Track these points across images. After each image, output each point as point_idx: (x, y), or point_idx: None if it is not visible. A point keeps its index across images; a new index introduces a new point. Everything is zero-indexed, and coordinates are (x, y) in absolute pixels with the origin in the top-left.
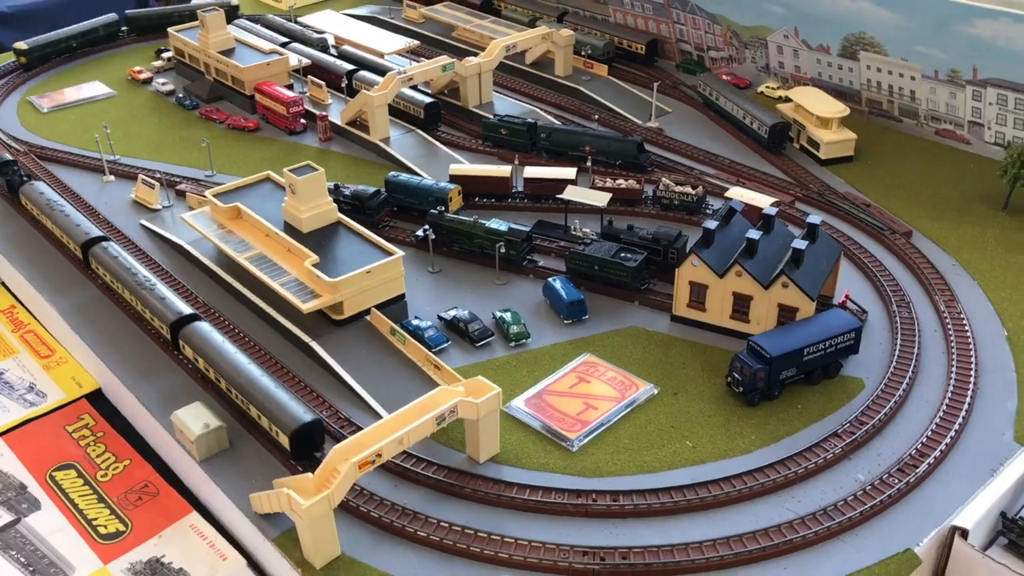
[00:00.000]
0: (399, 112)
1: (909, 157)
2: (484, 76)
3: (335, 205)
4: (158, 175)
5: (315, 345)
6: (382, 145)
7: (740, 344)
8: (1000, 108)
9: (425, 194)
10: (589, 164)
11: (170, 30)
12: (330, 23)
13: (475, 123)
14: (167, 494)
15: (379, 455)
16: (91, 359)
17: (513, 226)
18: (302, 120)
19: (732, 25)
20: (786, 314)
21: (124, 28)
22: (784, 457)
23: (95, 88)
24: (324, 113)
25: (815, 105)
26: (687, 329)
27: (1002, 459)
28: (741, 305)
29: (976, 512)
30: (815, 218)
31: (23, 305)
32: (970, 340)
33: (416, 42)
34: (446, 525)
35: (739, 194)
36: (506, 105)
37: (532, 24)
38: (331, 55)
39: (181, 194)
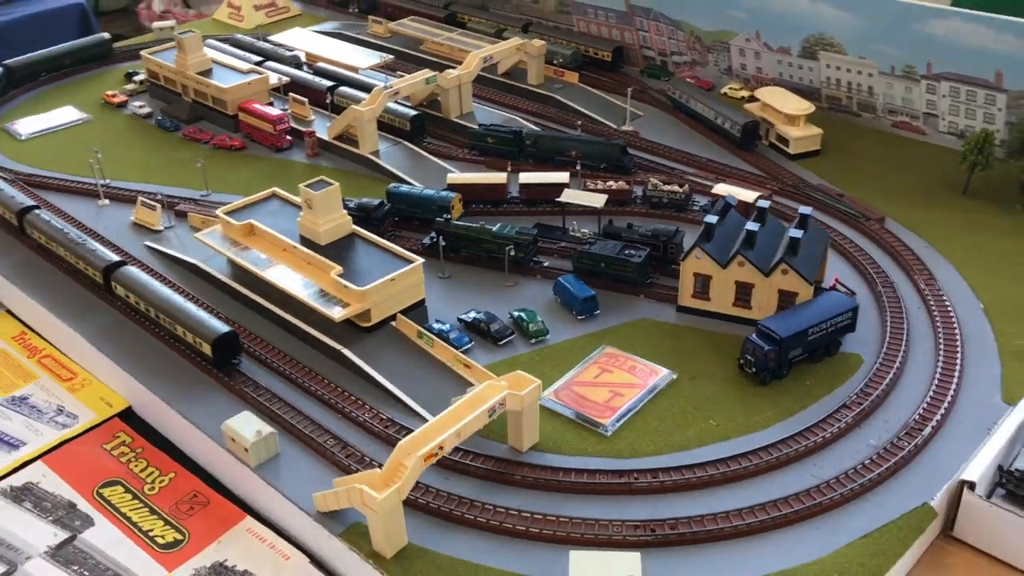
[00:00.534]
0: (384, 125)
1: (871, 148)
2: (464, 88)
3: (350, 218)
4: (159, 197)
5: (347, 352)
6: (372, 158)
7: (744, 329)
8: (953, 100)
9: (428, 203)
10: (579, 168)
11: (143, 53)
12: (299, 41)
13: (458, 133)
14: (217, 502)
15: (441, 448)
16: (120, 379)
17: (520, 229)
18: (288, 137)
19: (695, 31)
20: (786, 298)
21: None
22: (802, 429)
23: (69, 113)
24: (312, 129)
25: (782, 104)
26: (693, 318)
27: (994, 418)
28: (743, 293)
29: (979, 467)
30: (806, 209)
31: (34, 331)
32: (952, 314)
33: (390, 57)
34: (502, 510)
35: (725, 190)
36: (485, 114)
37: (499, 35)
38: (306, 72)
39: (181, 214)
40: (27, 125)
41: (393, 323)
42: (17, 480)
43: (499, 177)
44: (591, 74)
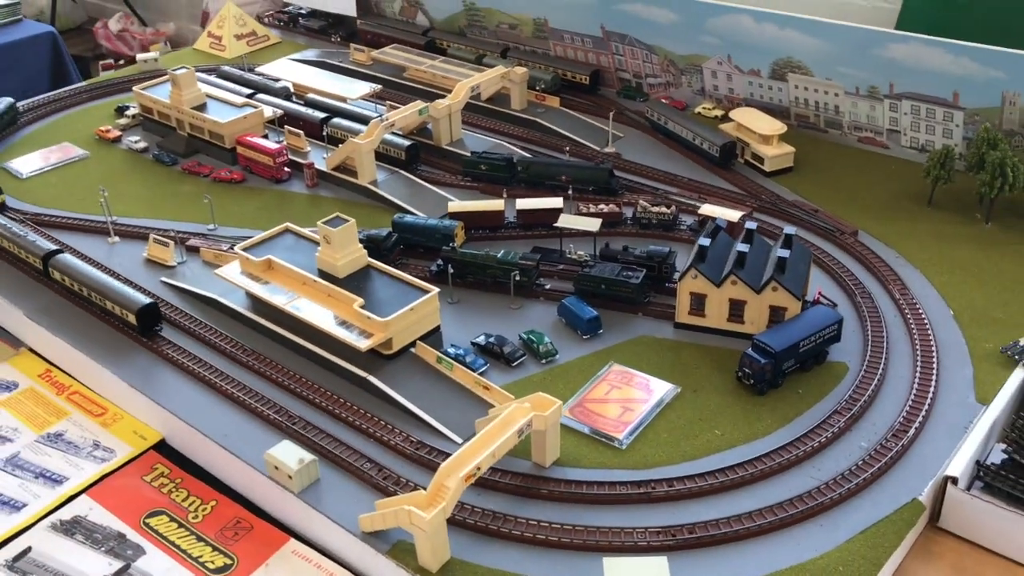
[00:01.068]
0: (380, 155)
1: (839, 164)
2: (454, 116)
3: (365, 251)
4: (172, 233)
5: (372, 379)
6: (371, 187)
7: (738, 342)
8: (914, 117)
9: (432, 232)
10: (570, 192)
11: (135, 89)
12: (285, 71)
13: (450, 160)
14: (261, 527)
15: (479, 468)
16: (153, 412)
17: (523, 255)
18: (287, 169)
19: (669, 55)
20: (776, 313)
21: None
22: (799, 435)
23: (67, 150)
24: (311, 161)
25: (756, 124)
26: (690, 334)
27: (971, 417)
28: (736, 309)
29: (960, 463)
30: (791, 229)
31: (59, 368)
32: (926, 322)
33: (379, 86)
34: (535, 522)
35: (711, 211)
36: (474, 141)
37: (479, 61)
38: (297, 103)
39: (192, 249)
40: (25, 164)
41: (413, 350)
42: (65, 514)
43: (497, 204)
44: (570, 97)
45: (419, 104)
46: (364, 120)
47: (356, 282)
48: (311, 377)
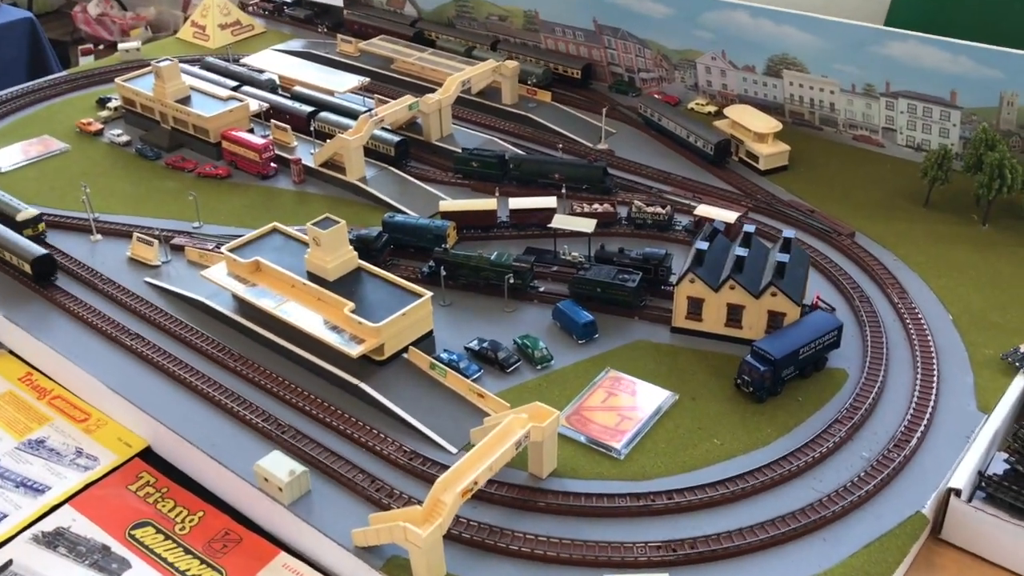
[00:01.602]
0: (368, 150)
1: (833, 162)
2: (444, 111)
3: (355, 253)
4: (156, 232)
5: (364, 386)
6: (360, 184)
7: (736, 348)
8: (910, 116)
9: (424, 232)
10: (564, 191)
11: (117, 80)
12: (271, 63)
13: (440, 156)
14: (250, 539)
15: (476, 483)
16: (138, 418)
17: (517, 256)
18: (273, 164)
19: (662, 49)
20: (775, 319)
21: None
22: (800, 445)
23: (47, 144)
24: (298, 157)
25: (751, 122)
26: (687, 339)
27: (972, 426)
28: (735, 314)
29: (963, 474)
30: (789, 232)
31: (40, 371)
32: (925, 327)
33: (367, 79)
34: (531, 536)
35: (706, 211)
36: (465, 136)
37: (469, 54)
38: (283, 96)
39: (177, 248)
40: (3, 157)
41: (405, 355)
42: (48, 525)
43: (489, 203)
44: (561, 91)
45: (409, 99)
46: (352, 114)
47: (347, 285)
48: (301, 383)
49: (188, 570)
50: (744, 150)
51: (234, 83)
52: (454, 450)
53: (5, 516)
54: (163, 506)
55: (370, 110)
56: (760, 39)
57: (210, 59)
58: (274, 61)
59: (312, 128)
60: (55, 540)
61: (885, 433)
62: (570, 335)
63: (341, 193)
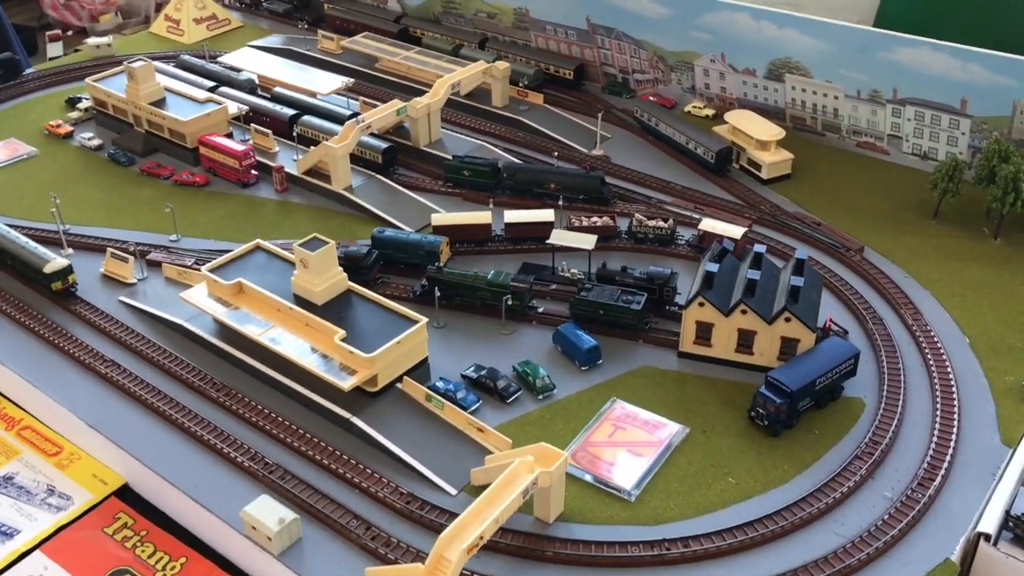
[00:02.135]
0: (353, 157)
1: (837, 169)
2: (433, 115)
3: (345, 275)
4: (132, 247)
5: (356, 420)
6: (346, 194)
7: (747, 375)
8: (917, 123)
9: (415, 248)
10: (561, 203)
11: (88, 80)
12: (250, 61)
13: (429, 163)
14: None
15: (481, 537)
16: (114, 454)
17: (514, 276)
18: (254, 172)
19: (658, 51)
20: (788, 345)
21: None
22: (820, 484)
23: (15, 147)
24: (280, 164)
25: (753, 128)
26: (695, 364)
27: (997, 462)
28: (746, 339)
29: (992, 517)
30: (802, 253)
31: (9, 400)
32: (942, 351)
33: (351, 80)
34: None
35: (711, 226)
36: (454, 141)
37: (456, 52)
38: (262, 98)
39: (153, 264)
40: None
41: (399, 385)
42: (18, 574)
43: (484, 216)
44: (552, 92)
45: (397, 103)
46: (336, 118)
47: (336, 310)
48: (288, 416)
49: None
50: (745, 158)
51: (211, 83)
52: (454, 492)
53: None
54: (142, 551)
55: (356, 114)
56: (762, 42)
57: (186, 57)
58: (252, 59)
59: (295, 133)
60: None
61: (907, 470)
62: (572, 360)
63: (326, 203)
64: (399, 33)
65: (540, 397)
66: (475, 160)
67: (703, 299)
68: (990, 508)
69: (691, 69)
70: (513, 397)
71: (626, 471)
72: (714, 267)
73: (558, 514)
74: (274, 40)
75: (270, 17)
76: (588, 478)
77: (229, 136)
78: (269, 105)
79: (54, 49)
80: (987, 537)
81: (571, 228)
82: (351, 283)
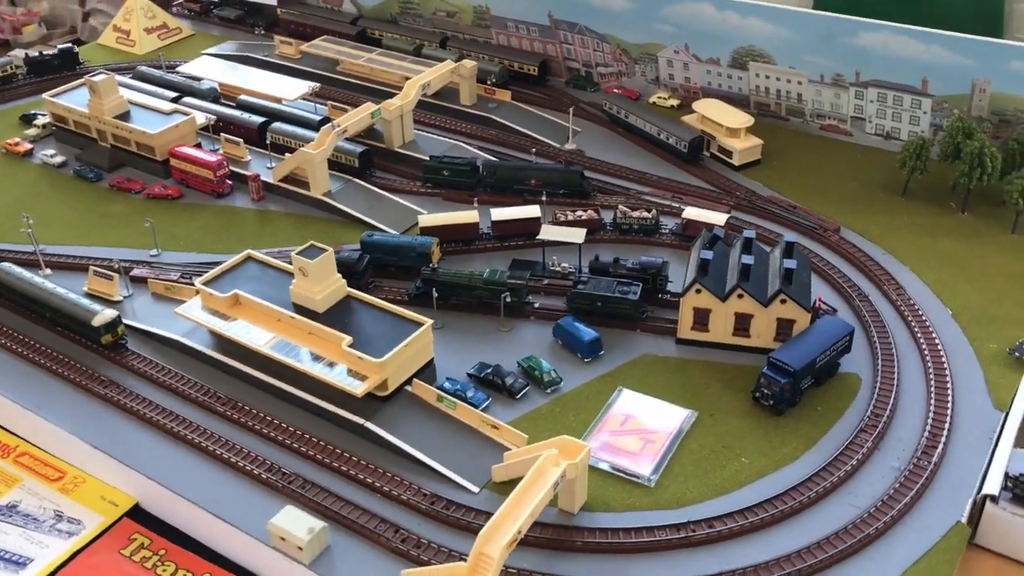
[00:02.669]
0: (330, 163)
1: (803, 153)
2: (405, 117)
3: (344, 281)
4: (115, 263)
5: (371, 425)
6: (326, 199)
7: (745, 358)
8: (880, 104)
9: (407, 250)
10: (544, 197)
11: (46, 95)
12: (208, 69)
13: (405, 164)
14: None
15: (520, 532)
16: (124, 476)
17: (510, 273)
18: (228, 182)
19: (622, 44)
20: (784, 326)
21: None
22: (829, 458)
23: None
24: (256, 172)
25: (722, 117)
26: (693, 350)
27: (992, 425)
28: (742, 323)
29: (996, 479)
30: (791, 237)
31: (2, 428)
32: (928, 324)
33: (317, 85)
34: None
35: (695, 214)
36: (428, 142)
37: (418, 53)
38: (227, 106)
39: (137, 280)
40: None
41: (409, 388)
42: None
43: (471, 216)
44: (518, 89)
45: (370, 106)
46: (307, 123)
47: (338, 316)
48: (298, 425)
49: None
50: (716, 145)
51: (172, 94)
52: (476, 490)
53: None
54: (163, 571)
55: (326, 120)
56: (725, 32)
57: (143, 68)
58: (211, 67)
59: (268, 141)
60: None
61: (910, 439)
62: (574, 353)
63: (305, 210)
64: (357, 35)
65: (548, 391)
66: (454, 159)
67: (700, 285)
68: (992, 471)
69: (655, 61)
70: (522, 393)
71: (642, 458)
72: (708, 254)
73: (582, 504)
74: (228, 47)
75: (221, 24)
76: (606, 467)
77: (198, 147)
78: (236, 113)
79: None
80: (993, 498)
81: (556, 223)
82: (350, 289)
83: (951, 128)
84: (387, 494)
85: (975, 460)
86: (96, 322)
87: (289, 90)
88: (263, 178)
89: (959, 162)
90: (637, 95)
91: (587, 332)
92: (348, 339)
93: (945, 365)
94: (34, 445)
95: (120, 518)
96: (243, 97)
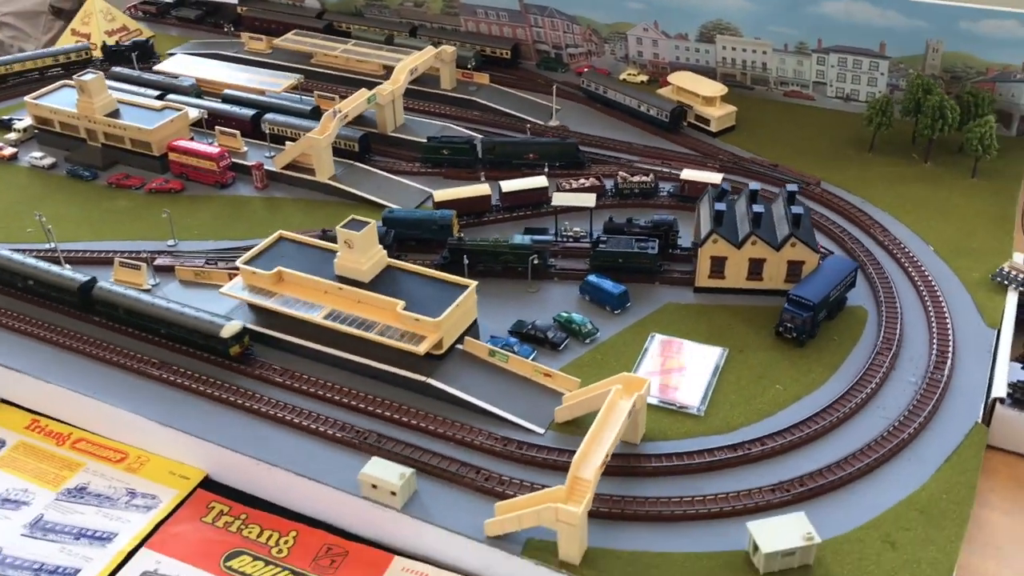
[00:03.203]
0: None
1: (771, 118)
2: (396, 101)
3: (385, 251)
4: (143, 254)
5: (433, 381)
6: (332, 183)
7: (759, 299)
8: (840, 69)
9: (428, 224)
10: (546, 170)
11: (28, 99)
12: (182, 67)
13: (400, 147)
14: (357, 550)
15: (608, 456)
16: (192, 449)
17: (534, 239)
18: (231, 172)
19: (592, 24)
20: (794, 268)
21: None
22: (855, 380)
23: None
24: (259, 162)
25: (698, 87)
26: (712, 296)
27: (989, 341)
28: (756, 267)
29: (1002, 384)
30: (793, 186)
31: (49, 417)
32: (916, 259)
33: (300, 77)
34: (654, 499)
35: (692, 175)
36: (418, 125)
37: (390, 42)
38: (213, 101)
39: (161, 270)
40: None
41: (460, 346)
42: (132, 572)
43: (483, 189)
44: (491, 71)
45: (366, 92)
46: (298, 113)
47: (385, 284)
48: (357, 387)
49: None
50: (694, 114)
51: (156, 92)
52: (541, 431)
53: (78, 571)
54: (250, 533)
55: (315, 108)
56: (693, 7)
57: (118, 68)
58: (186, 65)
59: (267, 132)
60: None
61: (920, 357)
62: (602, 307)
63: (310, 195)
64: (325, 29)
65: (587, 341)
66: (452, 139)
67: (717, 235)
68: (998, 377)
69: (624, 39)
70: (563, 344)
71: (688, 392)
72: (722, 206)
73: (642, 435)
74: (193, 46)
75: (179, 24)
76: (654, 402)
77: (192, 140)
78: (228, 107)
79: None
80: (1002, 400)
81: (564, 191)
82: (390, 259)
83: (911, 85)
84: (461, 441)
85: (979, 371)
86: (224, 334)
87: (271, 83)
88: (266, 167)
89: (921, 116)
90: (607, 73)
91: (615, 286)
92: (401, 303)
93: (939, 292)
94: (86, 430)
95: (194, 490)
96: (228, 92)
